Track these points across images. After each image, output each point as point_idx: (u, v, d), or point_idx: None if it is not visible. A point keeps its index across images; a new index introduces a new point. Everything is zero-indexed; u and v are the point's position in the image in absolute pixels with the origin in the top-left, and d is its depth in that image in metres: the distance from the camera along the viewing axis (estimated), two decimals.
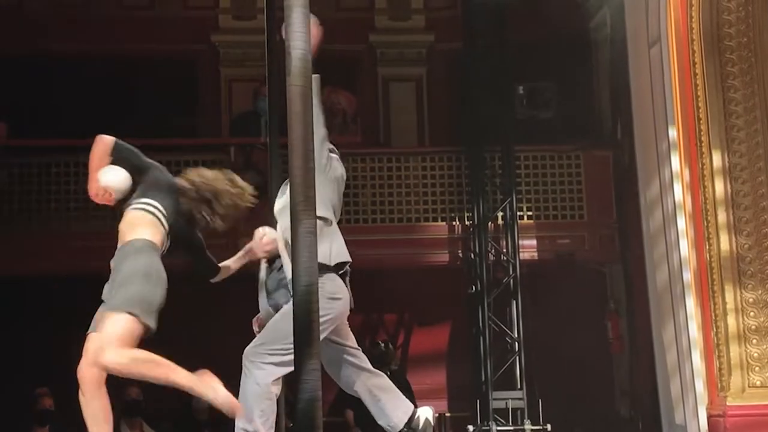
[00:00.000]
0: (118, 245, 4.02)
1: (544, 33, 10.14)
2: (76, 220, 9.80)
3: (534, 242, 10.18)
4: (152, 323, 3.85)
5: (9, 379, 9.18)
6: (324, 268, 4.07)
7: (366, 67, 11.33)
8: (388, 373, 9.06)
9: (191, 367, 4.01)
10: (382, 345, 9.74)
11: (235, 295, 5.80)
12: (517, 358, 9.59)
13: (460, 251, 10.16)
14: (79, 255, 9.45)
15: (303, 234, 2.54)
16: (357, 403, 9.36)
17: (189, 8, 11.33)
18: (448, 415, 10.37)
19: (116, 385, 9.49)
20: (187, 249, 4.39)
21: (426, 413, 4.51)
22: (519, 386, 9.52)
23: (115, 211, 4.36)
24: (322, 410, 2.58)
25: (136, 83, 10.66)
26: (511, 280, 9.76)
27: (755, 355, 7.22)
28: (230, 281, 4.79)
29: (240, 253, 4.49)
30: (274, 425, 4.34)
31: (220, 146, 10.28)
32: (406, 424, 4.38)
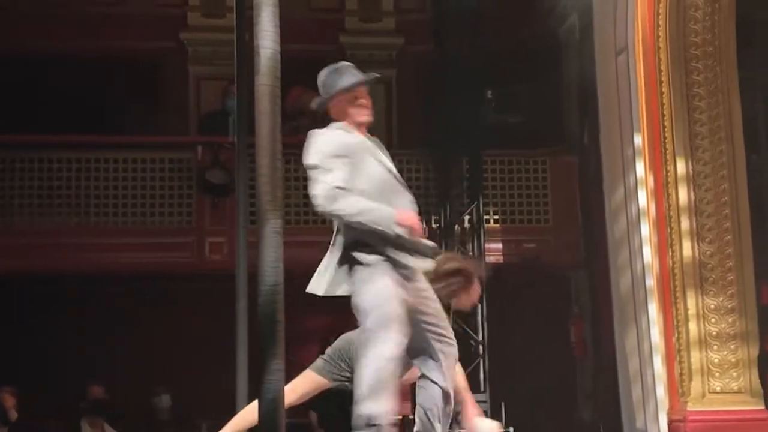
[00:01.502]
0: None
1: (514, 38, 10.19)
2: (40, 216, 9.72)
3: (500, 246, 10.23)
4: None
5: None
6: None
7: None
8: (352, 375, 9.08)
9: None
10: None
11: None
12: (482, 361, 9.62)
13: None
14: (36, 252, 9.38)
15: (269, 233, 2.54)
16: (321, 405, 9.36)
17: (159, 5, 11.25)
18: (411, 417, 10.35)
19: (80, 384, 9.45)
20: None
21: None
22: (482, 389, 9.55)
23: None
24: (284, 411, 2.58)
25: (104, 80, 10.58)
26: None
27: (716, 360, 7.30)
28: None
29: None
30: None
31: (187, 144, 10.23)
32: None
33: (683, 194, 7.42)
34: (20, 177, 9.81)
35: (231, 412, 5.34)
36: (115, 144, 9.99)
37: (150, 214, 9.88)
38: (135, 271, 9.77)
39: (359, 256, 3.48)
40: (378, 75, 3.85)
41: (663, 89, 7.53)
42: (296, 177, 9.74)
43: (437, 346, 3.80)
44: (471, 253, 9.91)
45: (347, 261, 3.52)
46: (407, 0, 11.58)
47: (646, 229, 7.73)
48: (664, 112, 7.51)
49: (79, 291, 9.82)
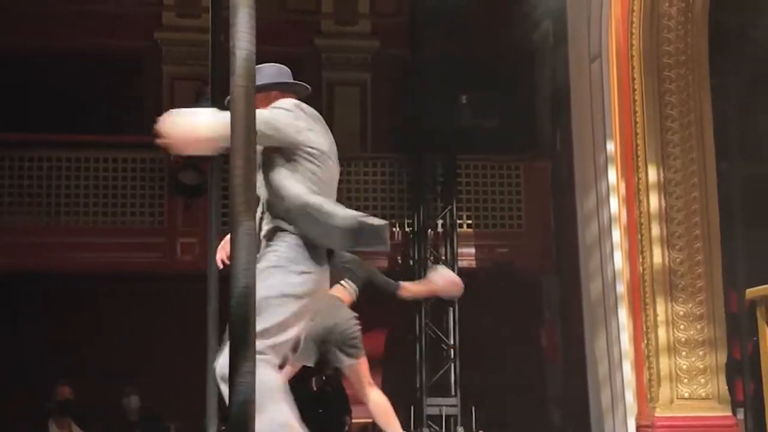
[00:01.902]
0: None
1: (489, 43, 10.23)
2: (10, 215, 9.64)
3: (473, 250, 10.27)
4: None
5: None
6: None
7: (311, 70, 11.32)
8: (323, 378, 9.07)
9: None
10: None
11: None
12: (453, 365, 9.65)
13: (399, 257, 10.19)
14: (5, 250, 9.30)
15: (242, 235, 2.53)
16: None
17: (133, 4, 11.20)
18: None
19: (48, 383, 9.35)
20: None
21: None
22: (453, 393, 9.57)
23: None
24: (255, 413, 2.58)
25: (79, 79, 10.51)
26: None
27: (684, 367, 7.35)
28: None
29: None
30: None
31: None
32: None
33: (654, 201, 7.47)
34: None
35: (201, 413, 5.31)
36: (87, 143, 9.92)
37: (122, 213, 9.82)
38: (106, 271, 9.71)
39: None
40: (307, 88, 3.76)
41: (636, 96, 7.58)
42: None
43: None
44: (444, 258, 9.94)
45: None
46: (383, 3, 11.60)
47: (617, 236, 7.78)
48: (637, 120, 7.56)
49: (48, 290, 9.74)
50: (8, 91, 10.12)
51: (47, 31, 10.54)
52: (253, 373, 2.52)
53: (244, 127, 2.53)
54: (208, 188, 5.56)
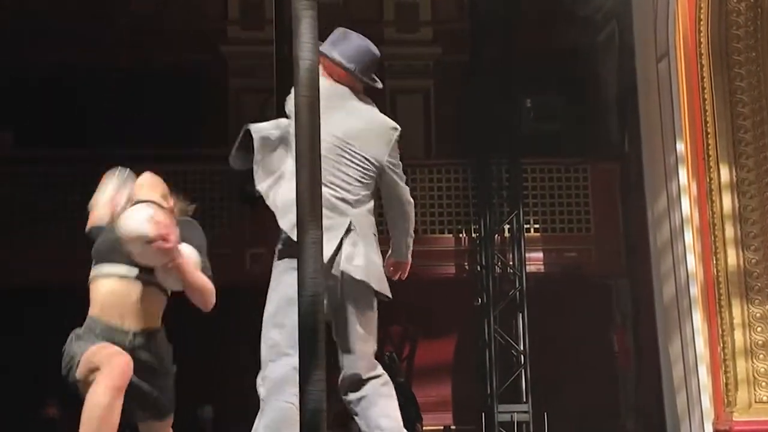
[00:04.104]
0: None
1: (552, 46, 10.15)
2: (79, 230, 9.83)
3: (540, 255, 10.17)
4: None
5: None
6: None
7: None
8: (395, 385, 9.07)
9: None
10: (387, 357, 9.74)
11: None
12: (523, 371, 9.57)
13: (466, 263, 10.15)
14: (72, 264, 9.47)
15: (309, 244, 2.53)
16: None
17: (198, 19, 11.36)
18: (453, 427, 10.34)
19: None
20: None
21: None
22: (524, 399, 9.49)
23: None
24: (326, 422, 2.58)
25: (146, 93, 10.69)
26: (517, 293, 9.74)
27: (762, 370, 7.19)
28: None
29: None
30: None
31: (227, 156, 10.29)
32: None
33: (727, 201, 7.32)
34: (62, 191, 9.93)
35: None
36: (155, 156, 10.08)
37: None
38: None
39: None
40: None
41: (705, 95, 7.44)
42: None
43: None
44: (511, 263, 9.87)
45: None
46: (445, 10, 11.59)
47: (689, 237, 7.65)
48: (707, 119, 7.42)
49: None
50: (79, 107, 10.34)
51: (116, 47, 10.75)
52: (323, 381, 2.52)
53: (309, 135, 2.53)
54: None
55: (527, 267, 9.84)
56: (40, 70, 10.47)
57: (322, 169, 2.58)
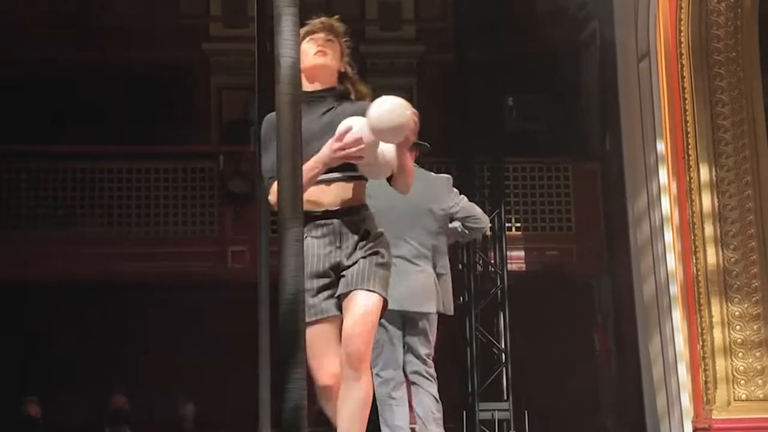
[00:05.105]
0: None
1: (535, 45, 10.18)
2: (65, 226, 9.79)
3: (522, 254, 10.21)
4: None
5: None
6: None
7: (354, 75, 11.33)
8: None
9: None
10: None
11: None
12: (504, 369, 9.59)
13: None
14: (61, 261, 9.44)
15: (290, 241, 2.54)
16: None
17: (181, 16, 11.33)
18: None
19: (104, 393, 9.46)
20: None
21: None
22: (505, 398, 9.51)
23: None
24: (306, 419, 2.58)
25: (127, 90, 10.66)
26: (499, 292, 9.77)
27: (741, 368, 7.24)
28: None
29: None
30: None
31: (209, 154, 10.28)
32: None
33: (707, 201, 7.37)
34: (44, 188, 9.89)
35: (254, 421, 5.35)
36: (137, 154, 10.06)
37: (173, 223, 9.93)
38: (157, 281, 9.82)
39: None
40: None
41: (686, 95, 7.48)
42: None
43: None
44: (493, 261, 9.90)
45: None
46: (428, 8, 11.60)
47: (669, 236, 7.69)
48: (687, 118, 7.46)
49: (102, 300, 9.87)
50: (58, 103, 10.30)
51: (97, 44, 10.70)
52: (303, 379, 2.52)
53: (291, 134, 2.53)
54: (256, 196, 5.60)
55: (509, 265, 9.87)
56: (20, 66, 10.41)
57: None
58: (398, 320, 4.61)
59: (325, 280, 3.21)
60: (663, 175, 7.77)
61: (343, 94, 3.39)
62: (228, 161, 9.91)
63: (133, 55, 10.77)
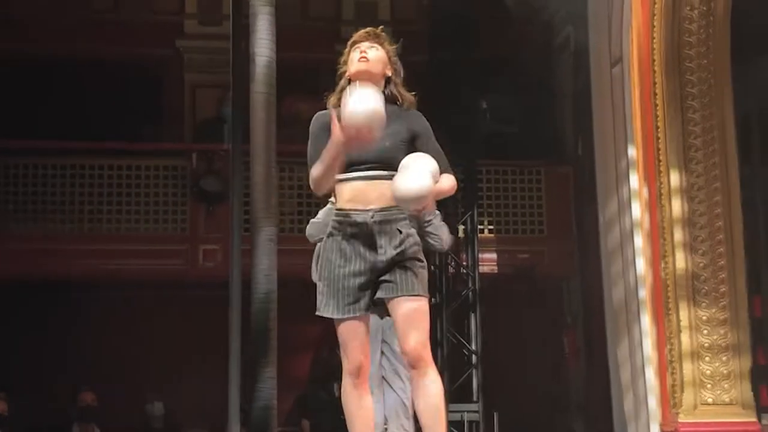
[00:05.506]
0: None
1: (509, 49, 10.22)
2: (33, 222, 9.71)
3: (494, 256, 10.24)
4: None
5: None
6: None
7: (331, 76, 11.32)
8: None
9: None
10: (329, 351, 9.73)
11: None
12: (474, 371, 9.62)
13: None
14: (29, 258, 9.36)
15: (263, 241, 2.54)
16: (313, 413, 9.34)
17: (155, 12, 11.26)
18: None
19: (72, 390, 9.41)
20: None
21: None
22: (475, 399, 9.55)
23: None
24: (276, 419, 2.58)
25: (100, 87, 10.58)
26: (470, 293, 9.80)
27: (707, 372, 7.31)
28: None
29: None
30: None
31: (182, 152, 10.23)
32: None
33: (677, 206, 7.44)
34: (14, 183, 9.80)
35: (223, 419, 5.33)
36: (109, 150, 9.99)
37: (144, 221, 9.87)
38: (128, 278, 9.76)
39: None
40: None
41: (657, 101, 7.55)
42: (290, 185, 9.75)
43: None
44: (465, 263, 9.93)
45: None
46: (403, 10, 11.61)
47: (639, 241, 7.75)
48: (659, 124, 7.53)
49: (71, 297, 9.80)
50: (29, 98, 10.21)
51: (70, 39, 10.61)
52: (274, 378, 2.52)
53: (264, 132, 2.54)
54: (229, 194, 5.59)
55: (480, 267, 9.90)
56: None
57: None
58: (377, 318, 4.62)
59: (362, 279, 3.31)
60: (634, 180, 7.84)
61: (390, 98, 3.55)
62: (201, 159, 9.87)
63: (106, 51, 10.70)
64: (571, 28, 10.09)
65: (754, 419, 7.37)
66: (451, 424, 9.47)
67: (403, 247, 3.34)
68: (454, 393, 9.56)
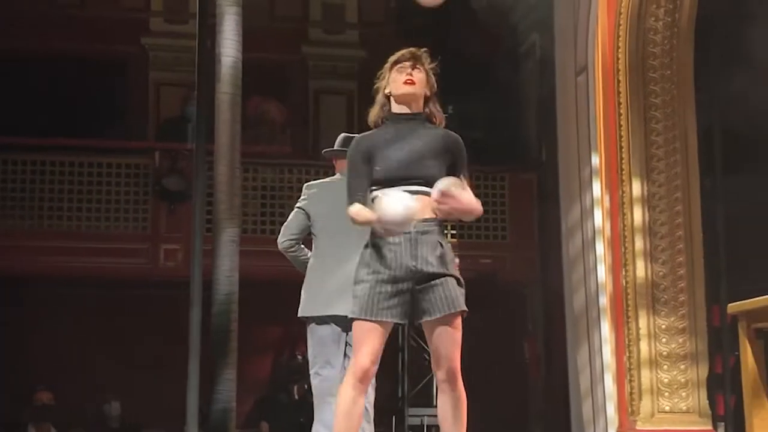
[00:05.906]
0: None
1: (475, 54, 10.25)
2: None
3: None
4: None
5: None
6: None
7: (297, 78, 11.31)
8: (306, 386, 9.05)
9: None
10: (300, 357, 9.71)
11: None
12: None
13: None
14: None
15: (225, 242, 2.53)
16: (273, 415, 9.29)
17: (120, 9, 11.17)
18: None
19: (27, 389, 9.29)
20: None
21: None
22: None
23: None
24: (235, 421, 2.56)
25: (64, 83, 10.47)
26: None
27: (665, 380, 7.37)
28: None
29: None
30: None
31: (145, 150, 10.15)
32: None
33: (638, 214, 7.50)
34: None
35: (181, 421, 5.29)
36: (71, 147, 9.88)
37: (105, 219, 9.77)
38: (88, 276, 9.66)
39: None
40: None
41: (621, 110, 7.61)
42: (254, 186, 9.70)
43: None
44: None
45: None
46: (371, 13, 11.62)
47: (600, 248, 7.81)
48: (622, 133, 7.59)
49: (29, 294, 9.68)
50: None
51: (32, 34, 10.49)
52: (233, 380, 2.50)
53: (229, 133, 2.52)
54: (192, 194, 5.55)
55: None
56: None
57: None
58: (344, 323, 4.61)
59: (400, 286, 3.47)
60: (597, 188, 7.89)
61: (428, 116, 3.90)
62: (164, 158, 9.79)
63: (71, 47, 10.59)
64: (536, 36, 10.15)
65: (710, 427, 7.45)
66: (410, 428, 9.48)
67: (445, 259, 3.57)
68: (415, 397, 9.57)
